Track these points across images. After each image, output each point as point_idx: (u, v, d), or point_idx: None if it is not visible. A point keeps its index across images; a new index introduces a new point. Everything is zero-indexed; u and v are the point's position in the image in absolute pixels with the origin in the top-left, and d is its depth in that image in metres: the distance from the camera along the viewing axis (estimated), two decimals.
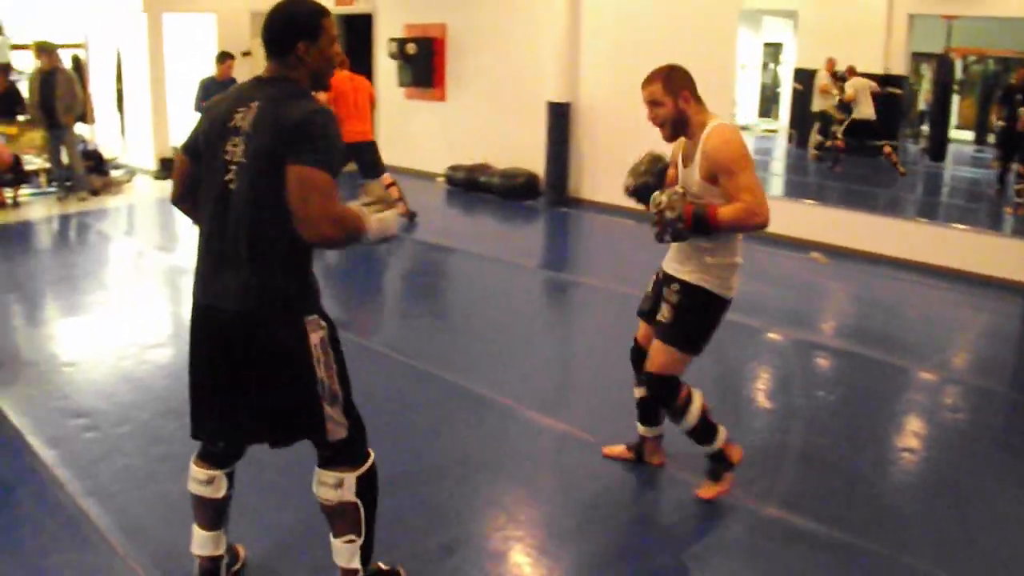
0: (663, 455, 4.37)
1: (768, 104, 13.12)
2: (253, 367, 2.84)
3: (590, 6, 10.31)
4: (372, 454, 3.06)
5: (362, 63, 13.01)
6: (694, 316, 3.80)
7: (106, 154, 12.66)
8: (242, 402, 2.91)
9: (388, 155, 13.38)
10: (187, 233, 10.30)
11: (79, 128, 11.78)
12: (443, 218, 11.02)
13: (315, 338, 2.84)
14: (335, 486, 2.97)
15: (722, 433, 3.95)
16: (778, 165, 12.39)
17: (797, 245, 8.91)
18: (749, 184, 3.52)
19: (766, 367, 6.06)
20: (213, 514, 3.18)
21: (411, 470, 4.40)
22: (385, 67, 13.01)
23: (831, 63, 11.16)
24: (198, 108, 9.92)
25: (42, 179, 11.82)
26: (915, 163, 11.75)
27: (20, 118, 10.95)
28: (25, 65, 12.37)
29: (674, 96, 3.67)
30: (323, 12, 2.86)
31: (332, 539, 3.07)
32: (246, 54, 13.35)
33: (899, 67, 10.82)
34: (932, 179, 11.63)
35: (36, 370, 5.75)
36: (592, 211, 10.31)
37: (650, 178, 3.97)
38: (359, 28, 13.43)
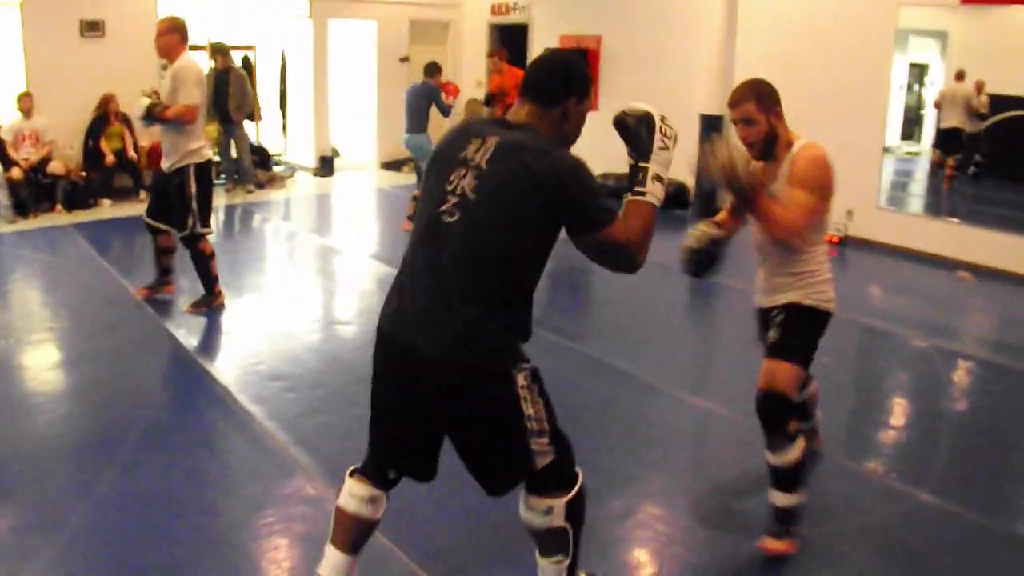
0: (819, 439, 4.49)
1: (911, 126, 13.00)
2: (456, 419, 2.72)
3: (745, 21, 10.43)
4: (580, 474, 2.86)
5: None
6: (803, 326, 3.66)
7: (270, 151, 13.34)
8: (434, 444, 2.83)
9: None
10: (345, 225, 10.88)
11: (247, 125, 12.48)
12: None
13: (521, 379, 2.67)
14: (545, 512, 2.79)
15: (804, 495, 3.70)
16: (919, 187, 12.29)
17: (942, 263, 8.95)
18: (806, 205, 3.42)
19: (915, 373, 6.20)
20: (359, 536, 2.98)
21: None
22: None
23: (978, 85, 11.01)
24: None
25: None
26: None
27: None
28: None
29: (767, 113, 3.51)
30: (592, 79, 2.88)
31: (538, 558, 2.93)
32: (404, 60, 13.90)
33: None
34: None
35: (232, 339, 6.24)
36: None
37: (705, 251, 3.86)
38: (514, 38, 13.83)
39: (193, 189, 6.26)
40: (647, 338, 6.59)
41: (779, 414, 3.57)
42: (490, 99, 11.19)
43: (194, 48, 13.07)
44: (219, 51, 11.83)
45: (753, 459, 4.09)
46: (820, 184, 3.45)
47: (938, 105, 11.19)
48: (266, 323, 6.55)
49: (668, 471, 4.47)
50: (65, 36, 10.93)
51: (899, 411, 5.52)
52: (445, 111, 10.03)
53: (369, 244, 9.64)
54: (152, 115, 6.15)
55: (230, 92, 11.56)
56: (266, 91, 14.02)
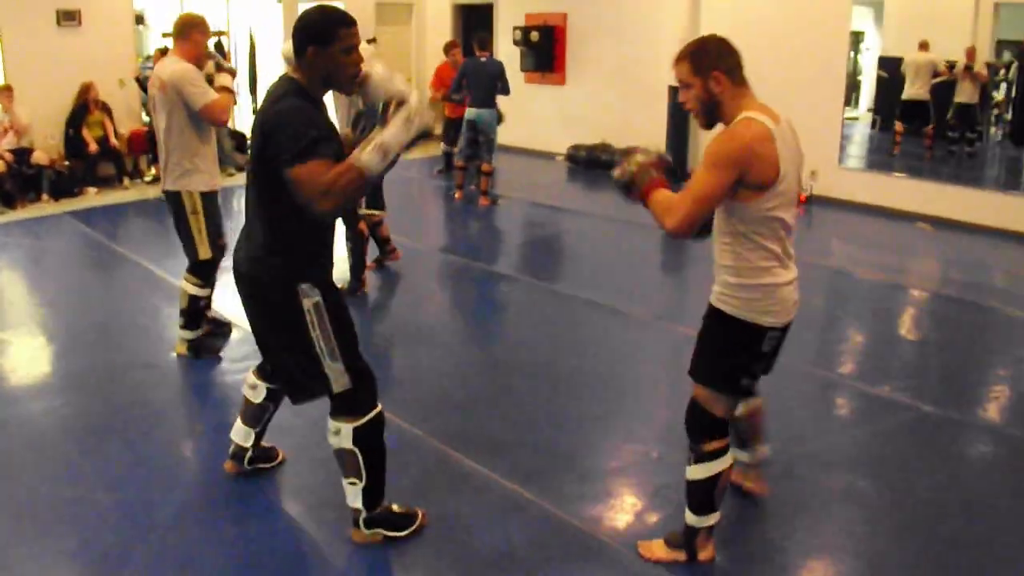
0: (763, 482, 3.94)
1: (848, 92, 13.49)
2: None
3: None
4: (378, 409, 3.44)
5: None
6: (713, 345, 3.31)
7: (247, 134, 13.56)
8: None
9: (508, 136, 14.11)
10: None
11: None
12: (566, 189, 11.94)
13: (307, 302, 3.23)
14: (334, 433, 3.41)
15: (712, 520, 3.44)
16: (865, 147, 12.78)
17: (901, 216, 9.70)
18: (695, 185, 2.99)
19: (880, 307, 7.07)
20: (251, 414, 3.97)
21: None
22: (505, 53, 13.66)
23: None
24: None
25: None
26: (997, 147, 12.15)
27: None
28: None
29: (703, 76, 3.07)
30: (341, 21, 3.14)
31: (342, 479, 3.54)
32: (371, 41, 14.15)
33: (984, 54, 11.25)
34: (1013, 161, 11.86)
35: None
36: None
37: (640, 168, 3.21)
38: (480, 17, 14.20)
39: None
40: (631, 282, 7.44)
41: (697, 425, 3.36)
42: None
43: (168, 35, 13.42)
44: None
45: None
46: (716, 160, 2.99)
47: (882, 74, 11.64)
48: None
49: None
50: (42, 26, 11.06)
51: (890, 340, 6.32)
52: (507, 89, 10.13)
53: None
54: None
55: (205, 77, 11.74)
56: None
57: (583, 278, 7.61)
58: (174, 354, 5.62)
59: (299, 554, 3.67)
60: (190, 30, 5.24)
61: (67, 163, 10.96)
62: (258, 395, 3.88)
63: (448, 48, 11.40)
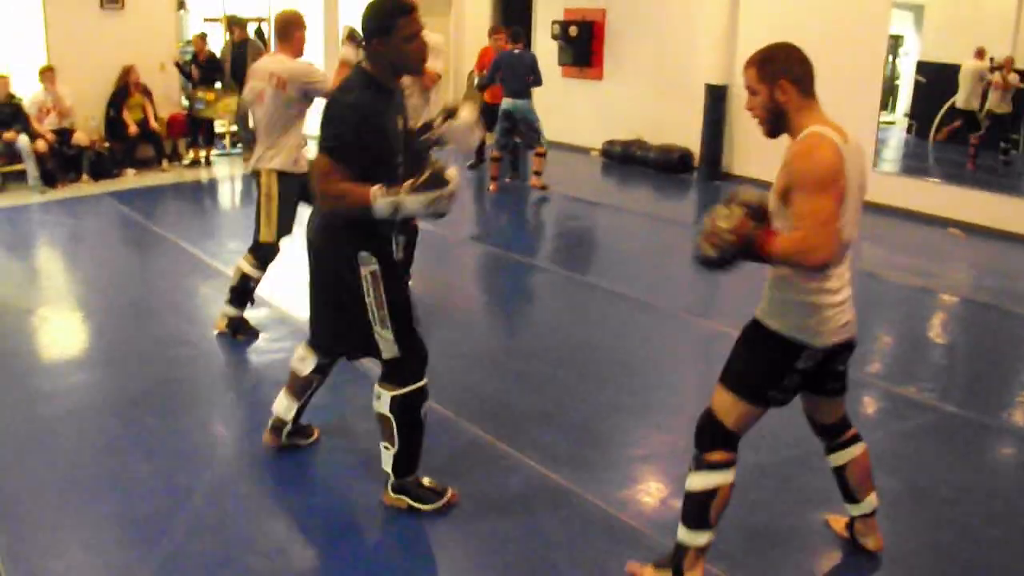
0: (878, 536, 3.61)
1: (885, 96, 13.41)
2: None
3: None
4: (422, 384, 3.61)
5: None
6: (747, 354, 3.18)
7: None
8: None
9: (545, 129, 14.19)
10: None
11: None
12: (600, 184, 12.02)
13: (364, 269, 3.44)
14: (376, 397, 3.61)
15: (704, 540, 3.19)
16: (894, 152, 12.67)
17: (928, 220, 9.67)
18: (815, 210, 2.78)
19: (917, 312, 7.12)
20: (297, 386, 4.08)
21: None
22: (543, 47, 13.65)
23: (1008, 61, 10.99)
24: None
25: (226, 141, 12.93)
26: None
27: (218, 85, 12.00)
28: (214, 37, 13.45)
29: (770, 84, 2.97)
30: (399, 11, 3.31)
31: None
32: None
33: None
34: None
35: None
36: (743, 184, 10.79)
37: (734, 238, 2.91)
38: (519, 9, 14.23)
39: None
40: (662, 276, 7.64)
41: (705, 434, 3.20)
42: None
43: (209, 20, 13.63)
44: (236, 23, 12.19)
45: None
46: (823, 176, 2.82)
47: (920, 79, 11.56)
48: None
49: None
50: (85, 9, 11.22)
51: (917, 342, 6.40)
52: (540, 80, 10.35)
53: None
54: None
55: (248, 63, 11.87)
56: None
57: (615, 271, 7.72)
58: (214, 331, 5.74)
59: (332, 528, 3.76)
60: (292, 29, 5.44)
61: (107, 145, 11.13)
62: (307, 367, 3.99)
63: (492, 32, 11.51)
